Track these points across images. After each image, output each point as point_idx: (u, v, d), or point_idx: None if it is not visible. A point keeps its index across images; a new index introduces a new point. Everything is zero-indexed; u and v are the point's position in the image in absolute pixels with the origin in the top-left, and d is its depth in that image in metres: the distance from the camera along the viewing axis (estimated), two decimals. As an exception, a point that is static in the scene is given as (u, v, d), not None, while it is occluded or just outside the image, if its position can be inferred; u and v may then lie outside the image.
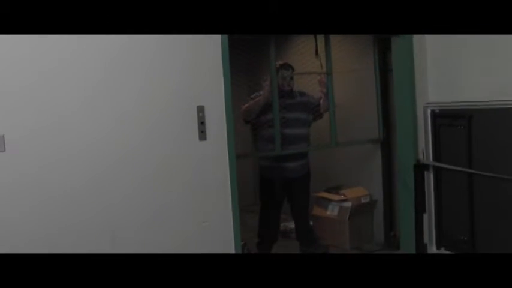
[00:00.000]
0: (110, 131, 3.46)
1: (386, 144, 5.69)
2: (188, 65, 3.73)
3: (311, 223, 5.66)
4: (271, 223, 5.17)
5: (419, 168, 4.33)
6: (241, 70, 6.92)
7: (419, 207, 4.34)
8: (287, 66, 4.96)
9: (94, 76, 3.40)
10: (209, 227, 3.80)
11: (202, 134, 3.78)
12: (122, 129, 3.50)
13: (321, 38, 5.00)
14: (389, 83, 5.54)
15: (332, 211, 5.86)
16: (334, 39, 5.07)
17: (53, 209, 3.27)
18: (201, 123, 3.77)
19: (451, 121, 4.17)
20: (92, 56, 3.39)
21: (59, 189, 3.29)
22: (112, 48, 3.46)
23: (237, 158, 3.97)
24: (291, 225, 5.78)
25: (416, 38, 4.81)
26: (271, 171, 4.98)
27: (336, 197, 5.89)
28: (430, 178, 4.32)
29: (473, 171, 4.01)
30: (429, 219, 4.34)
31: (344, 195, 5.84)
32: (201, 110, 3.76)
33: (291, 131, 4.84)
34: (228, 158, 3.89)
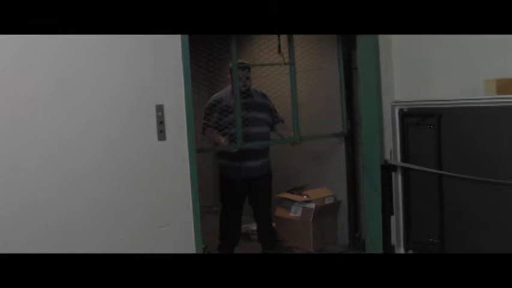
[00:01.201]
0: (64, 130, 3.29)
1: (351, 144, 5.59)
2: (147, 63, 3.58)
3: (274, 224, 5.55)
4: (232, 225, 5.05)
5: (387, 169, 4.21)
6: (201, 67, 6.81)
7: (387, 209, 4.22)
8: (243, 66, 4.87)
9: (49, 74, 3.24)
10: (169, 230, 3.65)
11: (161, 134, 3.63)
12: (77, 129, 3.34)
13: (284, 35, 4.85)
14: (354, 82, 5.44)
15: (295, 212, 5.74)
16: (298, 36, 4.94)
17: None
18: (160, 122, 3.61)
19: (420, 120, 4.06)
20: (48, 53, 3.22)
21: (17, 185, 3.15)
22: (68, 47, 3.29)
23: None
24: (253, 226, 5.68)
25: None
26: (231, 170, 4.89)
27: (299, 198, 5.76)
28: (397, 179, 4.20)
29: (442, 172, 3.90)
30: (397, 221, 4.22)
31: (307, 196, 5.73)
32: (160, 109, 3.60)
33: (250, 129, 4.74)
34: (188, 158, 3.73)
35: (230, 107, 4.78)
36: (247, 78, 4.87)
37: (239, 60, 4.89)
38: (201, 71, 7.09)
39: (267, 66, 5.28)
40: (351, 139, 5.59)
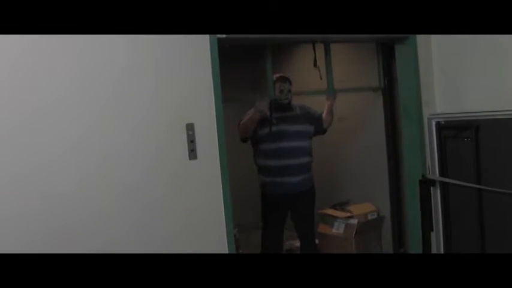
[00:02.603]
0: (95, 151, 3.30)
1: (394, 158, 5.48)
2: (177, 81, 3.57)
3: (317, 241, 5.47)
4: (273, 242, 4.98)
5: (425, 184, 4.10)
6: (235, 85, 6.82)
7: (426, 225, 4.11)
8: (284, 79, 4.84)
9: (79, 91, 3.26)
10: (202, 249, 3.59)
11: (192, 153, 3.61)
12: (106, 148, 3.34)
13: (320, 49, 4.79)
14: (394, 93, 5.34)
15: (338, 229, 5.64)
16: (334, 48, 4.88)
17: (38, 214, 3.14)
18: (191, 141, 3.60)
19: (457, 133, 3.95)
20: (77, 70, 3.25)
21: (38, 201, 3.14)
22: (97, 63, 3.31)
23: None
24: (297, 243, 5.59)
25: (420, 44, 4.59)
26: (271, 186, 4.81)
27: (341, 214, 5.66)
28: (436, 194, 4.09)
29: (482, 186, 3.77)
30: (437, 238, 4.11)
31: (350, 211, 5.62)
32: (190, 127, 3.58)
33: (290, 144, 4.68)
34: (220, 177, 3.70)
35: (269, 119, 4.73)
36: (289, 91, 4.82)
37: (281, 74, 4.87)
38: (235, 89, 7.14)
39: (305, 78, 5.21)
40: (394, 152, 5.47)
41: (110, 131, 3.35)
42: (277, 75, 4.83)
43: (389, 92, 5.43)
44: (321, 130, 5.01)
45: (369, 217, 5.59)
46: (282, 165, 4.68)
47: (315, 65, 4.84)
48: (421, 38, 4.59)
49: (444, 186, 4.06)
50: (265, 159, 4.78)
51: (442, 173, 4.05)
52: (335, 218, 5.69)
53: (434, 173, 4.07)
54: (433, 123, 4.06)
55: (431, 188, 4.11)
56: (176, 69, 3.56)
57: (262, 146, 4.76)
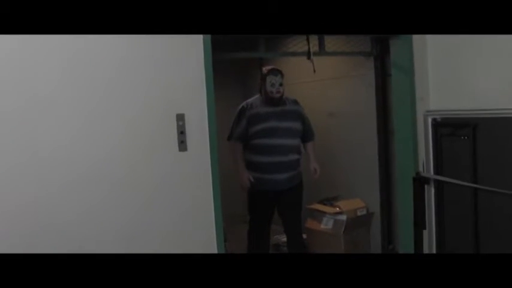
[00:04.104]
0: (82, 141, 3.21)
1: (385, 154, 5.40)
2: (168, 70, 3.47)
3: (304, 236, 5.40)
4: (260, 236, 4.93)
5: (419, 182, 4.02)
6: (227, 75, 6.72)
7: (419, 223, 4.03)
8: (275, 72, 4.73)
9: (63, 80, 3.15)
10: (191, 241, 3.54)
11: (182, 144, 3.51)
12: (95, 139, 3.25)
13: (314, 41, 4.69)
14: (387, 89, 5.27)
15: (326, 224, 5.57)
16: (329, 41, 4.79)
17: (25, 214, 3.05)
18: (181, 132, 3.49)
19: (454, 131, 3.87)
20: (67, 60, 3.15)
21: (31, 195, 3.07)
22: (88, 53, 3.21)
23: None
24: (283, 238, 5.53)
25: (416, 40, 4.51)
26: (259, 182, 4.71)
27: (330, 210, 5.59)
28: (430, 192, 4.01)
29: (478, 186, 3.70)
30: (429, 236, 4.04)
31: (339, 207, 5.55)
32: (180, 118, 3.48)
33: (281, 141, 4.60)
34: (210, 169, 3.61)
35: (261, 115, 4.66)
36: (281, 84, 4.71)
37: (272, 66, 4.77)
38: (227, 80, 7.05)
39: (298, 73, 5.13)
40: (385, 148, 5.40)
41: (98, 121, 3.26)
42: (269, 67, 4.75)
43: (382, 87, 5.35)
44: (310, 138, 5.01)
45: (358, 213, 5.52)
46: (271, 161, 4.64)
47: (309, 57, 4.74)
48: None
49: (439, 184, 3.99)
50: (255, 155, 4.72)
51: (437, 171, 3.98)
52: (324, 213, 5.62)
53: (429, 170, 4.00)
54: (429, 120, 3.98)
55: (426, 186, 4.02)
56: (168, 58, 3.46)
57: (253, 142, 4.70)
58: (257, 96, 4.85)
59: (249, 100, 4.86)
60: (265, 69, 4.74)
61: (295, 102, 4.90)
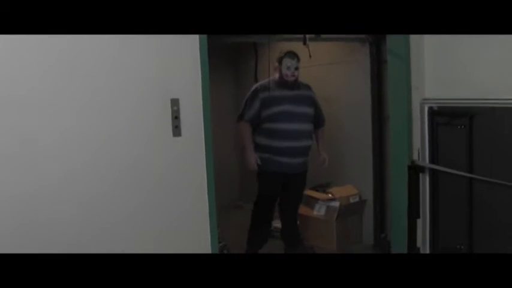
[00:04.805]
0: (74, 126, 3.14)
1: (379, 140, 5.38)
2: (161, 53, 3.40)
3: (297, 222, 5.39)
4: (264, 220, 4.94)
5: (414, 170, 4.00)
6: (224, 59, 6.66)
7: (413, 212, 4.02)
8: (292, 55, 4.68)
9: (55, 66, 3.07)
10: (184, 227, 3.51)
11: (177, 130, 3.46)
12: (87, 124, 3.18)
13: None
14: (383, 76, 5.24)
15: (319, 211, 5.56)
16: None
17: (20, 206, 2.99)
18: (175, 117, 3.45)
19: (450, 120, 3.84)
20: (55, 43, 3.04)
21: (23, 187, 3.00)
22: (78, 37, 3.10)
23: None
24: (276, 223, 5.49)
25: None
26: (272, 164, 4.70)
27: (323, 196, 5.58)
28: (425, 181, 3.99)
29: (473, 176, 3.68)
30: (423, 225, 4.03)
31: (332, 194, 5.54)
32: (175, 103, 3.43)
33: (295, 126, 4.58)
34: (204, 155, 3.56)
35: (275, 98, 4.60)
36: (296, 68, 4.68)
37: (288, 50, 4.74)
38: (225, 61, 6.98)
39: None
40: (379, 135, 5.37)
41: (92, 107, 3.19)
42: (285, 50, 4.69)
43: (378, 74, 5.32)
44: (322, 123, 5.01)
45: (351, 200, 5.51)
46: (284, 146, 4.59)
47: (305, 43, 4.70)
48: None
49: (433, 173, 3.97)
50: (267, 139, 4.67)
51: (432, 160, 3.95)
52: (316, 200, 5.61)
53: (424, 159, 3.97)
54: (426, 109, 3.94)
55: (421, 175, 4.00)
56: (162, 40, 3.38)
57: (265, 125, 4.65)
58: (271, 78, 4.78)
59: (263, 82, 4.78)
60: (281, 51, 4.69)
61: (308, 87, 4.88)
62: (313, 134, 4.87)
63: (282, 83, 4.63)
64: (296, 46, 4.82)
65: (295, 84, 4.70)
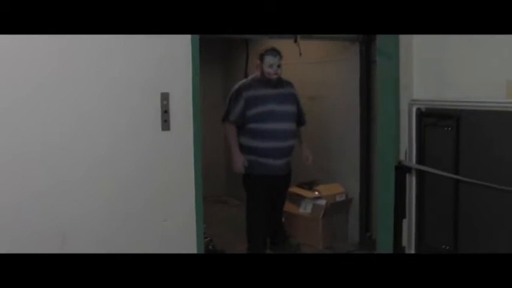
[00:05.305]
0: (63, 120, 3.14)
1: (366, 140, 5.41)
2: (153, 46, 3.39)
3: (283, 219, 5.39)
4: (261, 224, 4.82)
5: (401, 170, 4.02)
6: (214, 55, 6.64)
7: (399, 212, 4.04)
8: (275, 52, 4.55)
9: (43, 63, 3.07)
10: (171, 222, 3.51)
11: (166, 124, 3.47)
12: (75, 117, 3.19)
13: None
14: (372, 75, 5.26)
15: (305, 208, 5.57)
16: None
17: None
18: (165, 111, 3.45)
19: (438, 121, 3.86)
20: (40, 44, 3.04)
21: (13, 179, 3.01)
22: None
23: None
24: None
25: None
26: (258, 166, 4.62)
27: (309, 194, 5.58)
28: (412, 181, 4.01)
29: (459, 177, 3.71)
30: (409, 225, 4.05)
31: (318, 192, 5.54)
32: (165, 97, 3.43)
33: (280, 125, 4.48)
34: (193, 150, 3.57)
35: (259, 97, 4.53)
36: (279, 66, 4.54)
37: (270, 46, 4.63)
38: (215, 57, 6.97)
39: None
40: (366, 135, 5.40)
41: (78, 97, 3.18)
42: (267, 47, 4.57)
43: (366, 74, 5.34)
44: (303, 122, 4.92)
45: (337, 199, 5.53)
46: (270, 147, 4.51)
47: (295, 40, 4.70)
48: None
49: (420, 174, 3.99)
50: (252, 140, 4.58)
51: (419, 161, 3.98)
52: (303, 197, 5.61)
53: (411, 159, 3.99)
54: (414, 109, 3.96)
55: (407, 175, 4.02)
56: (154, 35, 3.38)
57: (250, 125, 4.54)
58: (252, 76, 4.69)
59: (245, 81, 4.69)
60: (262, 48, 4.57)
61: (290, 84, 4.77)
62: (295, 134, 4.80)
63: (265, 81, 4.54)
64: (286, 44, 4.82)
65: (278, 82, 4.60)
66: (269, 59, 4.49)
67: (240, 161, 4.57)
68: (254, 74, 4.68)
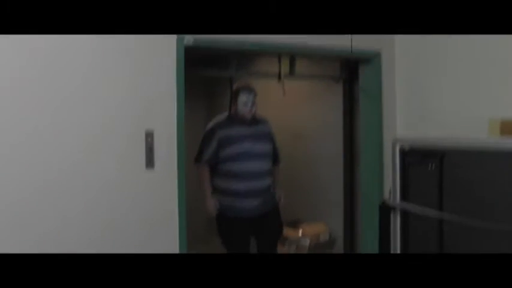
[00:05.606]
0: (47, 155, 3.16)
1: (350, 179, 5.41)
2: (139, 86, 3.44)
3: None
4: None
5: (385, 210, 4.00)
6: (198, 92, 6.63)
7: (383, 251, 4.00)
8: (249, 90, 4.31)
9: (32, 95, 3.12)
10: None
11: (150, 162, 3.45)
12: (62, 153, 3.20)
13: (285, 63, 4.69)
14: (355, 114, 5.29)
15: (289, 248, 5.52)
16: (299, 64, 4.79)
17: None
18: (149, 149, 3.43)
19: (422, 159, 3.86)
20: (30, 73, 3.10)
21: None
22: (51, 63, 3.17)
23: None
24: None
25: (385, 66, 4.57)
26: (230, 209, 4.32)
27: (293, 233, 5.55)
28: (396, 220, 3.99)
29: (443, 216, 3.70)
30: (393, 265, 4.01)
31: (302, 231, 5.51)
32: (149, 135, 3.43)
33: (254, 165, 4.33)
34: (177, 188, 3.58)
35: (233, 137, 4.30)
36: (253, 104, 4.30)
37: (244, 83, 4.42)
38: (199, 94, 6.96)
39: (266, 94, 5.08)
40: (350, 173, 5.40)
41: (64, 134, 3.20)
42: (241, 84, 4.37)
43: (350, 112, 5.37)
44: (278, 162, 4.63)
45: (321, 238, 5.50)
46: (245, 188, 4.25)
47: (279, 79, 4.70)
48: (385, 60, 4.54)
49: (405, 213, 3.97)
50: (226, 181, 4.30)
51: (403, 199, 3.96)
52: (286, 236, 5.56)
53: (395, 198, 3.98)
54: (397, 148, 3.96)
55: (392, 214, 4.01)
56: (139, 73, 3.43)
57: (224, 166, 4.29)
58: (226, 114, 4.45)
59: (218, 119, 4.43)
60: (236, 86, 4.37)
61: (266, 121, 4.54)
62: (271, 173, 4.49)
63: (239, 120, 4.31)
64: (271, 82, 4.84)
65: (253, 120, 4.38)
66: (243, 98, 4.27)
67: (212, 203, 4.32)
68: (228, 111, 4.53)
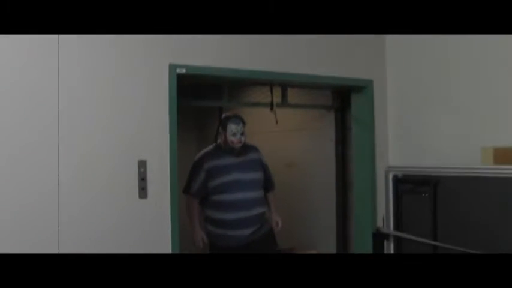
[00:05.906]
0: (39, 184, 3.15)
1: (343, 208, 5.40)
2: (130, 115, 3.44)
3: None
4: None
5: (379, 237, 4.01)
6: (189, 124, 6.63)
7: (378, 280, 4.00)
8: (237, 120, 4.25)
9: (25, 125, 3.12)
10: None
11: (143, 191, 3.45)
12: (53, 184, 3.18)
13: (277, 92, 4.71)
14: (347, 142, 5.31)
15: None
16: (291, 93, 4.81)
17: None
18: (142, 179, 3.43)
19: (415, 187, 3.89)
20: (25, 102, 3.11)
21: None
22: (44, 93, 3.17)
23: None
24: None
25: (377, 94, 4.59)
26: (221, 239, 4.24)
27: (287, 262, 5.51)
28: (390, 248, 4.00)
29: (437, 243, 3.71)
30: (388, 294, 4.00)
31: (296, 259, 5.48)
32: (142, 165, 3.42)
33: (245, 195, 4.29)
34: (170, 218, 3.57)
35: (222, 167, 4.23)
36: (242, 133, 4.23)
37: (233, 113, 4.41)
38: (190, 126, 6.96)
39: (258, 123, 5.10)
40: (343, 202, 5.40)
41: (56, 162, 3.19)
42: (229, 114, 4.36)
43: (342, 140, 5.39)
44: (271, 187, 4.56)
45: (315, 266, 5.46)
46: (235, 218, 4.17)
47: (272, 108, 4.71)
48: (377, 88, 4.57)
49: (398, 240, 3.99)
50: (216, 212, 4.23)
51: (397, 227, 3.98)
52: (280, 265, 5.54)
53: (389, 226, 4.00)
54: (390, 176, 3.99)
55: (385, 242, 4.02)
56: (132, 103, 3.43)
57: (214, 197, 4.22)
58: (214, 144, 4.40)
59: (207, 150, 4.38)
60: (225, 115, 4.34)
61: (256, 149, 4.46)
62: (264, 201, 4.42)
63: (228, 150, 4.25)
64: (263, 111, 4.85)
65: (242, 150, 4.31)
66: (231, 127, 4.20)
67: (199, 235, 4.25)
68: (215, 141, 4.49)
